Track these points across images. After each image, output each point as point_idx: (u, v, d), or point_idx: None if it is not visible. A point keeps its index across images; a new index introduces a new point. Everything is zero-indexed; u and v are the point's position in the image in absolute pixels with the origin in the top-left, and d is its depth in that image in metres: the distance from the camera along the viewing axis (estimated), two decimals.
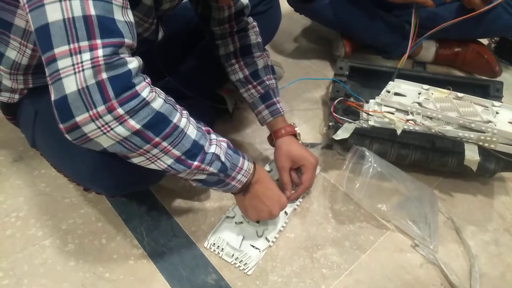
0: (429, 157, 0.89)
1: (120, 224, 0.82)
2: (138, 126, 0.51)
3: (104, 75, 0.48)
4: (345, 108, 0.95)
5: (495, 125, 0.83)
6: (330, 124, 0.92)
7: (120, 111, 0.49)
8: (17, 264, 0.74)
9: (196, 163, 0.59)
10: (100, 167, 0.68)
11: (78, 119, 0.48)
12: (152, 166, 0.58)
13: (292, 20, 1.45)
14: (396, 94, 0.93)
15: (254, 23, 0.91)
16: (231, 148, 0.67)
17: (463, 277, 0.75)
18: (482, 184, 0.93)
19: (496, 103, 0.90)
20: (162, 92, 0.56)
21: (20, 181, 0.89)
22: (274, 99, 0.88)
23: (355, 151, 0.86)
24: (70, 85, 0.47)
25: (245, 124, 1.08)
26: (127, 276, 0.73)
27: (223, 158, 0.63)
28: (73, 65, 0.47)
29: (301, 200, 0.87)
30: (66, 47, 0.47)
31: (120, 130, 0.50)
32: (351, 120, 0.89)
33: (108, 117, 0.49)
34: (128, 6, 0.53)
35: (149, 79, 0.54)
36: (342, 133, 0.88)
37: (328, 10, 1.19)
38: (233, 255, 0.76)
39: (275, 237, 0.79)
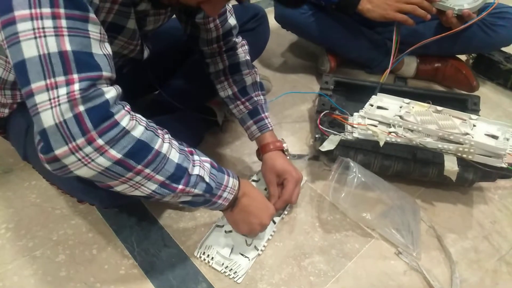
0: (410, 167, 0.93)
1: (111, 235, 0.82)
2: (119, 156, 0.51)
3: (82, 108, 0.48)
4: (330, 121, 0.98)
5: (473, 137, 0.87)
6: (317, 136, 0.95)
7: (100, 141, 0.49)
8: (7, 276, 0.74)
9: (181, 186, 0.59)
10: None
11: (58, 152, 0.49)
12: (136, 193, 0.57)
13: (279, 36, 1.49)
14: (379, 107, 0.97)
15: (244, 41, 0.93)
16: (215, 167, 0.67)
17: (445, 283, 0.78)
18: (461, 193, 0.97)
19: (473, 116, 0.94)
20: (143, 119, 0.56)
21: (10, 192, 0.89)
22: (263, 115, 0.89)
23: (341, 162, 0.88)
24: (47, 119, 0.48)
25: (234, 136, 1.10)
26: (118, 286, 0.74)
27: (207, 179, 0.63)
28: (50, 100, 0.48)
29: (289, 209, 0.89)
30: (42, 83, 0.48)
31: (101, 160, 0.50)
32: (336, 132, 0.92)
33: (88, 149, 0.49)
34: (105, 39, 0.54)
35: (128, 106, 0.54)
36: (328, 145, 0.91)
37: (313, 26, 1.23)
38: (223, 263, 0.77)
39: (264, 246, 0.81)
